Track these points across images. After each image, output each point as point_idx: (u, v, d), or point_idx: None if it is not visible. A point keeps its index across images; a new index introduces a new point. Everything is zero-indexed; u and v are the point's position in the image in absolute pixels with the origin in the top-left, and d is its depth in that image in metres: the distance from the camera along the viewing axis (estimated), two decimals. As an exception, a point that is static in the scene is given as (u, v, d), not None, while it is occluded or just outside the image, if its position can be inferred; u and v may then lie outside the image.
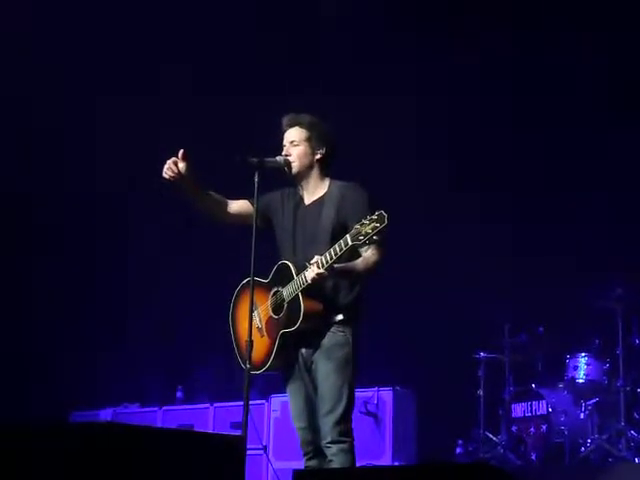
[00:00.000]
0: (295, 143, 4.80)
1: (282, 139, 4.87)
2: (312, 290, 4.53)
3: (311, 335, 4.62)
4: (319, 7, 8.89)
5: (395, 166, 8.68)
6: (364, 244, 4.36)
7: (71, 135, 9.00)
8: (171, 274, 9.29)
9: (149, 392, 9.19)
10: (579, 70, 8.59)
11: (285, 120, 4.88)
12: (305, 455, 4.70)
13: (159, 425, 8.44)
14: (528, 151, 8.80)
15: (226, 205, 4.92)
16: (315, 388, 4.66)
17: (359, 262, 4.58)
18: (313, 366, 4.64)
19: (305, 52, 8.93)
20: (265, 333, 4.71)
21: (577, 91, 8.58)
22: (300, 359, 4.69)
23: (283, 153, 4.80)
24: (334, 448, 4.54)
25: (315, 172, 4.83)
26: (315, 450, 4.65)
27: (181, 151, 4.73)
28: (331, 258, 4.41)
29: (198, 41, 8.93)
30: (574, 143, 8.66)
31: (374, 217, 4.27)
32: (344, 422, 4.57)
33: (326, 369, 4.58)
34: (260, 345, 4.66)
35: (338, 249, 4.39)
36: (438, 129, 9.02)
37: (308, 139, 4.81)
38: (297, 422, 4.71)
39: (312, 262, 4.46)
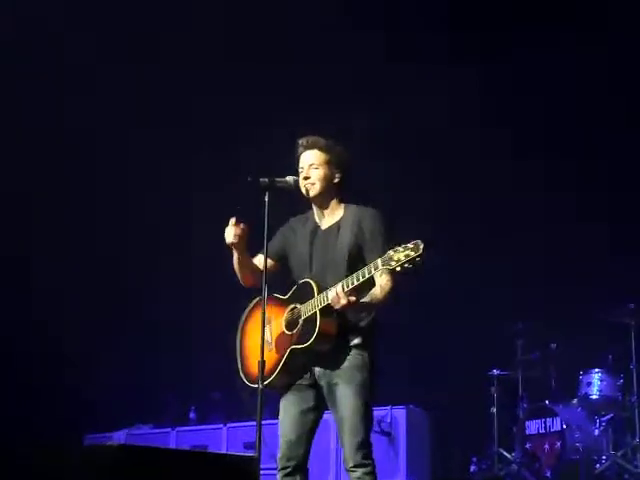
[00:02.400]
0: (315, 166, 4.79)
1: (297, 161, 4.86)
2: (331, 312, 4.53)
3: (328, 356, 4.61)
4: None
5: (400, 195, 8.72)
6: (394, 270, 4.31)
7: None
8: (186, 294, 9.30)
9: (162, 413, 9.19)
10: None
11: (303, 142, 4.86)
12: (282, 469, 4.62)
13: (172, 446, 8.45)
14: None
15: (257, 268, 4.88)
16: (314, 409, 4.66)
17: (377, 292, 4.59)
18: (329, 387, 4.62)
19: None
20: (273, 348, 4.70)
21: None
22: (310, 376, 4.68)
23: (301, 176, 4.79)
24: (359, 472, 4.53)
25: (332, 196, 4.84)
26: (295, 467, 4.62)
27: (233, 219, 4.74)
28: (357, 280, 4.41)
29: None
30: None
31: (409, 245, 4.24)
32: (366, 446, 4.57)
33: (346, 392, 4.57)
34: (267, 359, 4.61)
35: (366, 272, 4.39)
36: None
37: (327, 162, 4.80)
38: (287, 434, 4.64)
39: (338, 284, 4.46)
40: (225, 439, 8.37)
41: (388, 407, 7.73)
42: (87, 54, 8.68)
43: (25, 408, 8.79)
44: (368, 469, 4.54)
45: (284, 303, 4.75)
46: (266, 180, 4.63)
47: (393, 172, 8.77)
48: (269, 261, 4.78)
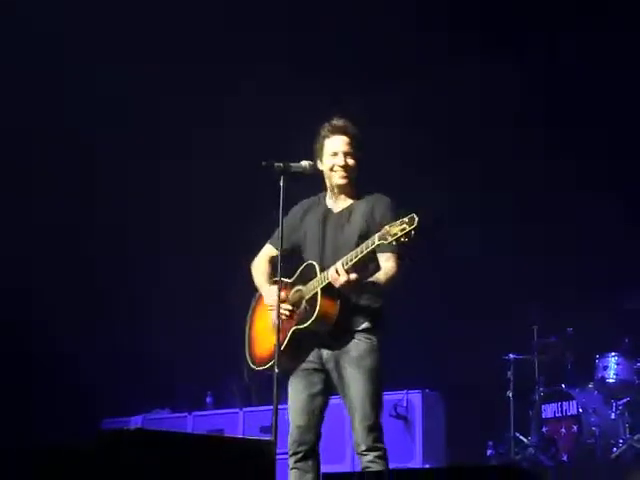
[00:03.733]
0: (351, 155, 4.77)
1: (322, 142, 4.82)
2: (333, 293, 4.53)
3: (335, 340, 4.62)
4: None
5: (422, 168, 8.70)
6: (390, 245, 4.35)
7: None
8: (201, 282, 9.33)
9: (179, 398, 9.22)
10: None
11: (331, 126, 4.82)
12: (294, 454, 4.64)
13: (189, 430, 8.48)
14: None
15: (272, 264, 4.92)
16: (321, 393, 4.67)
17: (381, 276, 4.60)
18: (338, 372, 4.63)
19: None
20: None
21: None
22: (317, 360, 4.69)
23: (338, 163, 4.74)
24: (370, 455, 4.55)
25: (352, 183, 4.84)
26: (307, 451, 4.64)
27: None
28: (356, 256, 4.43)
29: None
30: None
31: (405, 219, 4.27)
32: (377, 429, 4.58)
33: (356, 377, 4.58)
34: (271, 342, 4.65)
35: (364, 247, 4.41)
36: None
37: (359, 150, 4.80)
38: (296, 420, 4.66)
39: (337, 263, 4.48)
40: (241, 423, 8.40)
41: (404, 391, 7.74)
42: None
43: (42, 393, 8.83)
44: (379, 453, 4.56)
45: (289, 286, 4.75)
46: (281, 165, 4.64)
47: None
48: (276, 251, 4.81)
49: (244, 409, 8.43)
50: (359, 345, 4.60)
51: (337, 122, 4.83)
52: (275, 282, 4.74)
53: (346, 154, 4.77)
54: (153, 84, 8.86)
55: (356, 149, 4.79)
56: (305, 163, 4.75)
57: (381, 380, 4.63)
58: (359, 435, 4.57)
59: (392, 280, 4.60)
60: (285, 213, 4.72)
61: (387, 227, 4.30)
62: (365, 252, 4.41)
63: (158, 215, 9.33)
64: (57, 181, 9.07)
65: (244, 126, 8.91)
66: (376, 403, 4.59)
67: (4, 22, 8.33)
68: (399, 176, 7.91)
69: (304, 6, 8.67)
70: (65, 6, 8.39)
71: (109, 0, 8.59)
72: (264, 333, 4.80)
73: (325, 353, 4.66)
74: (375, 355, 4.61)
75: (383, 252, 4.56)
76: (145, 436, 3.47)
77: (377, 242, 4.34)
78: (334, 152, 4.78)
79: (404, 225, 4.24)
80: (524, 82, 8.72)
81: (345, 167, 4.76)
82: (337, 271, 4.46)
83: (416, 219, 4.23)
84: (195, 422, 8.69)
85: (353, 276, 4.46)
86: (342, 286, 4.47)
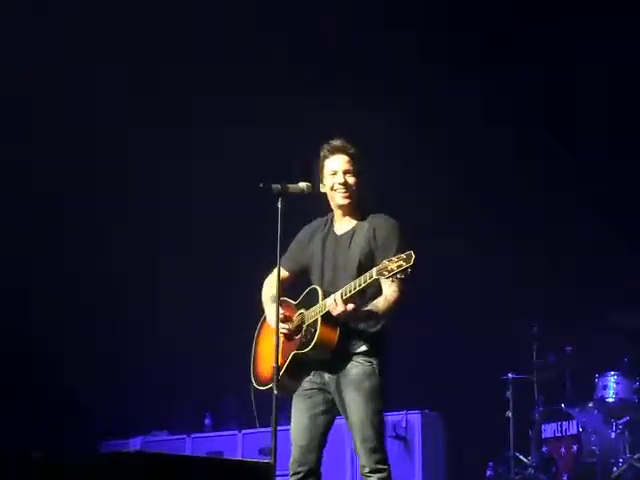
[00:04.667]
0: (350, 174, 4.79)
1: (322, 163, 4.84)
2: (333, 320, 4.55)
3: (335, 363, 4.64)
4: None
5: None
6: (388, 278, 4.40)
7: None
8: (201, 302, 9.33)
9: (177, 420, 9.20)
10: None
11: (332, 147, 4.84)
12: (294, 474, 4.65)
13: (188, 452, 8.46)
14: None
15: (287, 284, 4.96)
16: (325, 413, 4.68)
17: (380, 302, 4.62)
18: (339, 394, 4.64)
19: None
20: (281, 352, 4.72)
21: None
22: (320, 381, 4.70)
23: (338, 181, 4.77)
24: (374, 477, 4.57)
25: (357, 203, 4.85)
26: (308, 472, 4.64)
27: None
28: (355, 288, 4.48)
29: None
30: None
31: (402, 256, 4.33)
32: (380, 451, 4.60)
33: (356, 400, 4.59)
34: (273, 362, 4.69)
35: (363, 281, 4.45)
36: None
37: (359, 169, 4.82)
38: (298, 440, 4.68)
39: (337, 292, 4.52)
40: (241, 445, 8.38)
41: (403, 412, 7.74)
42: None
43: (42, 415, 8.81)
44: (383, 474, 4.57)
45: (294, 307, 4.80)
46: (279, 186, 4.65)
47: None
48: (285, 272, 4.83)
49: (243, 431, 8.41)
50: (358, 368, 4.62)
51: (335, 142, 4.86)
52: (281, 303, 4.77)
53: (345, 172, 4.79)
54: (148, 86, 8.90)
55: (357, 168, 4.81)
56: (303, 184, 4.76)
57: (383, 402, 4.64)
58: (363, 457, 4.59)
59: (393, 305, 4.62)
60: (287, 234, 4.75)
61: (385, 262, 4.35)
62: (363, 286, 4.45)
63: (158, 226, 9.33)
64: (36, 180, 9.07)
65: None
66: (378, 425, 4.59)
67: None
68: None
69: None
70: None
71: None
72: (268, 353, 4.82)
73: (326, 376, 4.68)
74: (375, 378, 4.62)
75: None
76: (145, 459, 3.47)
77: (375, 276, 4.40)
78: (334, 171, 4.81)
79: (401, 262, 4.31)
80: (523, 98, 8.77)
81: (345, 185, 4.78)
82: (335, 301, 4.48)
83: (413, 257, 4.29)
84: (194, 444, 8.67)
85: (350, 307, 4.49)
86: (339, 316, 4.51)
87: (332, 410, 4.71)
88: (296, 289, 4.91)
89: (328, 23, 8.90)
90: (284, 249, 4.81)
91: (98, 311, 9.27)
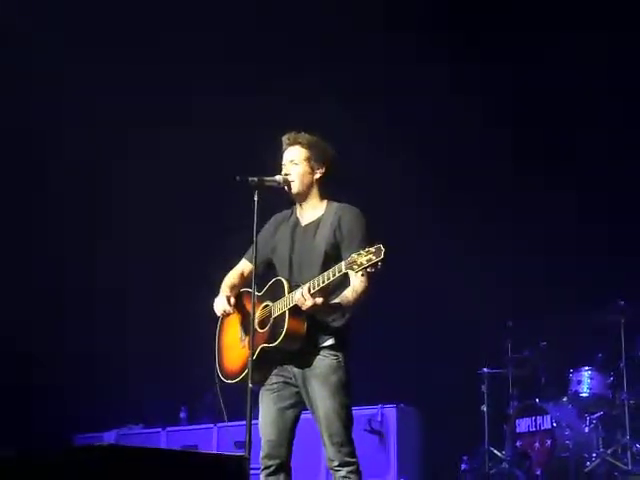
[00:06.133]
0: (295, 162, 4.80)
1: (281, 158, 4.87)
2: (300, 313, 4.53)
3: (301, 357, 4.62)
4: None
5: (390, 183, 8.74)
6: (358, 272, 4.36)
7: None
8: (173, 293, 9.29)
9: (152, 413, 9.18)
10: None
11: (285, 139, 4.88)
12: (265, 469, 4.64)
13: (163, 446, 8.44)
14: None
15: (243, 279, 4.97)
16: (292, 406, 4.67)
17: (348, 294, 4.60)
18: (305, 388, 4.63)
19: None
20: (246, 344, 4.70)
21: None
22: (287, 374, 4.69)
23: (283, 172, 4.80)
24: (343, 471, 4.55)
25: (314, 192, 4.83)
26: (278, 466, 4.63)
27: (232, 299, 4.87)
28: (323, 282, 4.45)
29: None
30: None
31: (372, 249, 4.27)
32: (348, 444, 4.58)
33: (322, 394, 4.58)
34: (239, 356, 4.72)
35: (331, 274, 4.42)
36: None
37: (307, 158, 4.80)
38: (267, 434, 4.64)
39: (304, 285, 4.49)
40: (216, 439, 8.36)
41: (379, 406, 7.74)
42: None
43: (14, 408, 8.76)
44: (352, 467, 4.56)
45: (258, 300, 4.73)
46: (255, 179, 4.63)
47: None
48: (249, 265, 4.84)
49: (218, 424, 8.40)
50: (325, 362, 4.60)
51: (290, 135, 4.87)
52: (242, 294, 4.84)
53: (291, 162, 4.79)
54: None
55: (307, 157, 4.79)
56: (279, 177, 4.76)
57: (349, 395, 4.62)
58: (330, 451, 4.57)
59: (361, 295, 4.60)
60: (260, 227, 4.73)
61: (354, 255, 4.30)
62: (332, 279, 4.43)
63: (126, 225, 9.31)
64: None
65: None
66: (345, 418, 4.58)
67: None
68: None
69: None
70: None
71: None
72: (232, 346, 4.84)
73: (293, 370, 4.67)
74: (341, 371, 4.61)
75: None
76: (117, 452, 3.45)
77: (344, 270, 4.36)
78: (283, 163, 4.84)
79: (370, 256, 4.26)
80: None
81: (286, 175, 4.77)
82: (303, 295, 4.46)
83: (383, 250, 4.23)
84: (169, 437, 8.65)
85: (319, 300, 4.47)
86: (308, 310, 4.49)
87: (299, 404, 4.69)
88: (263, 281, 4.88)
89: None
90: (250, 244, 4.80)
91: (69, 307, 9.25)
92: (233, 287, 4.95)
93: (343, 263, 4.37)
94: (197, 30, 8.93)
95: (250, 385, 4.41)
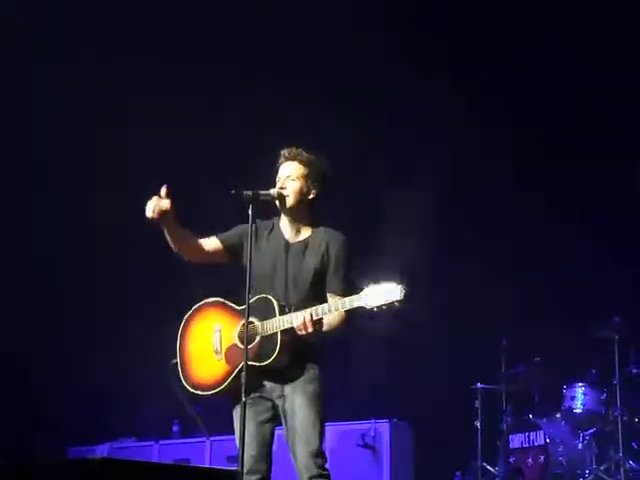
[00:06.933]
0: (292, 178, 4.77)
1: (277, 171, 4.85)
2: (291, 334, 4.52)
3: (282, 371, 4.61)
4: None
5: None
6: (371, 310, 4.35)
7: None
8: (165, 306, 9.26)
9: (145, 426, 9.14)
10: None
11: (283, 153, 4.85)
12: None
13: (155, 460, 8.41)
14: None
15: (200, 244, 4.85)
16: (269, 421, 4.65)
17: (336, 320, 4.59)
18: (283, 399, 4.62)
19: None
20: (223, 358, 4.67)
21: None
22: (261, 388, 4.66)
23: (278, 186, 4.78)
24: None
25: (305, 211, 4.82)
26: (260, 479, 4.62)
27: (164, 188, 4.65)
28: (328, 311, 4.45)
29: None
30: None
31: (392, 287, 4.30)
32: (321, 455, 4.58)
33: (301, 403, 4.58)
34: (214, 367, 4.67)
35: (340, 306, 4.43)
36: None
37: (305, 176, 4.78)
38: (248, 449, 4.53)
39: (306, 311, 4.47)
40: (208, 453, 8.34)
41: (372, 421, 7.72)
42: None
43: (8, 421, 8.73)
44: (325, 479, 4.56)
45: (237, 314, 4.69)
46: (249, 193, 4.60)
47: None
48: (217, 243, 4.82)
49: (211, 438, 8.37)
50: (303, 373, 4.62)
51: (289, 149, 4.85)
52: (212, 304, 4.78)
53: (288, 177, 4.77)
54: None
55: (305, 174, 4.78)
56: (273, 191, 4.74)
57: (323, 407, 4.63)
58: (302, 462, 4.55)
59: (346, 321, 4.61)
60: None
61: (368, 291, 4.32)
62: (341, 309, 4.44)
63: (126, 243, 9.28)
64: None
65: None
66: (320, 428, 4.59)
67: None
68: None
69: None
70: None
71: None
72: (204, 357, 4.75)
73: (269, 384, 4.65)
74: (317, 382, 4.63)
75: (335, 293, 4.62)
76: (110, 466, 3.44)
77: (356, 304, 4.36)
78: (279, 177, 4.81)
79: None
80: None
81: (281, 189, 4.74)
82: (305, 322, 4.44)
83: (403, 293, 4.28)
84: (161, 451, 8.62)
85: (317, 327, 4.48)
86: (304, 335, 4.49)
87: (275, 418, 4.67)
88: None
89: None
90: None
91: (64, 317, 9.21)
92: (185, 230, 4.79)
93: (356, 297, 4.37)
94: (197, 30, 8.93)
95: (244, 399, 4.39)
